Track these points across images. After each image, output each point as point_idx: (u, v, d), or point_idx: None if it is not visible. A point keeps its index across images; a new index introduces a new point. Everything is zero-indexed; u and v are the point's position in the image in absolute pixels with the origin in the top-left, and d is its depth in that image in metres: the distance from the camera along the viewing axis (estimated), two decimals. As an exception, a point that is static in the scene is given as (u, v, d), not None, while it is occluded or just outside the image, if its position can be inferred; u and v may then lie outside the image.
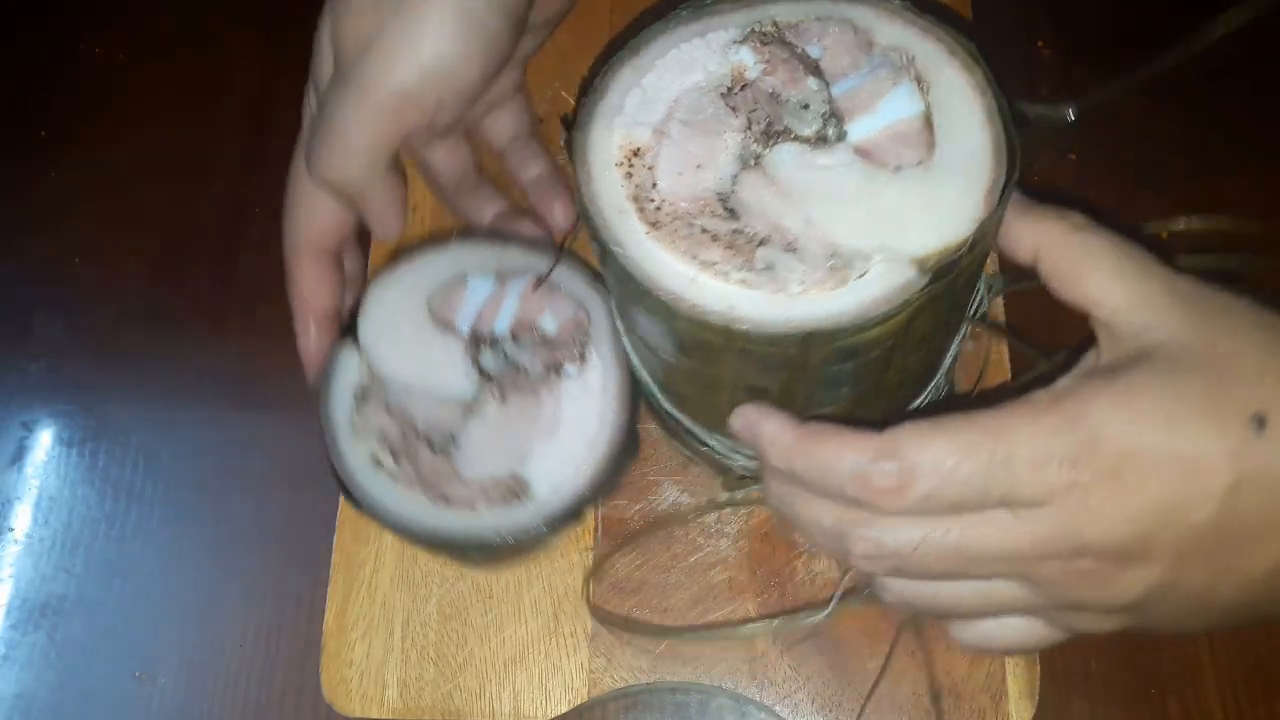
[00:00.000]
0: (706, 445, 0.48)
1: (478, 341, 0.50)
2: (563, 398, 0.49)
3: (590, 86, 0.39)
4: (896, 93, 0.38)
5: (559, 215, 0.55)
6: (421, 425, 0.49)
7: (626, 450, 0.50)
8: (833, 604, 0.49)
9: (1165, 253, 0.36)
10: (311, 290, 0.53)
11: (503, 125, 0.57)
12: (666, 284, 0.36)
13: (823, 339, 0.34)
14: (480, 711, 0.53)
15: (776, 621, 0.52)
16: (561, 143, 0.63)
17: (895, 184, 0.36)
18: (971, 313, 0.44)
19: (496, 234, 0.55)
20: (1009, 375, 0.56)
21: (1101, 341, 0.36)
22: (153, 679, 0.57)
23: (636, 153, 0.38)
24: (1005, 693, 0.51)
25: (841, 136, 0.38)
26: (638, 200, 0.37)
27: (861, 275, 0.35)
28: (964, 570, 0.35)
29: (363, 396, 0.49)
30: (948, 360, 0.46)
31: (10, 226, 0.67)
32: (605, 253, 0.36)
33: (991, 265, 0.53)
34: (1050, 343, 0.44)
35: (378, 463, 0.48)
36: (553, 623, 0.54)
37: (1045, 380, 0.36)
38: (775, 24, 0.40)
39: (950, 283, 0.35)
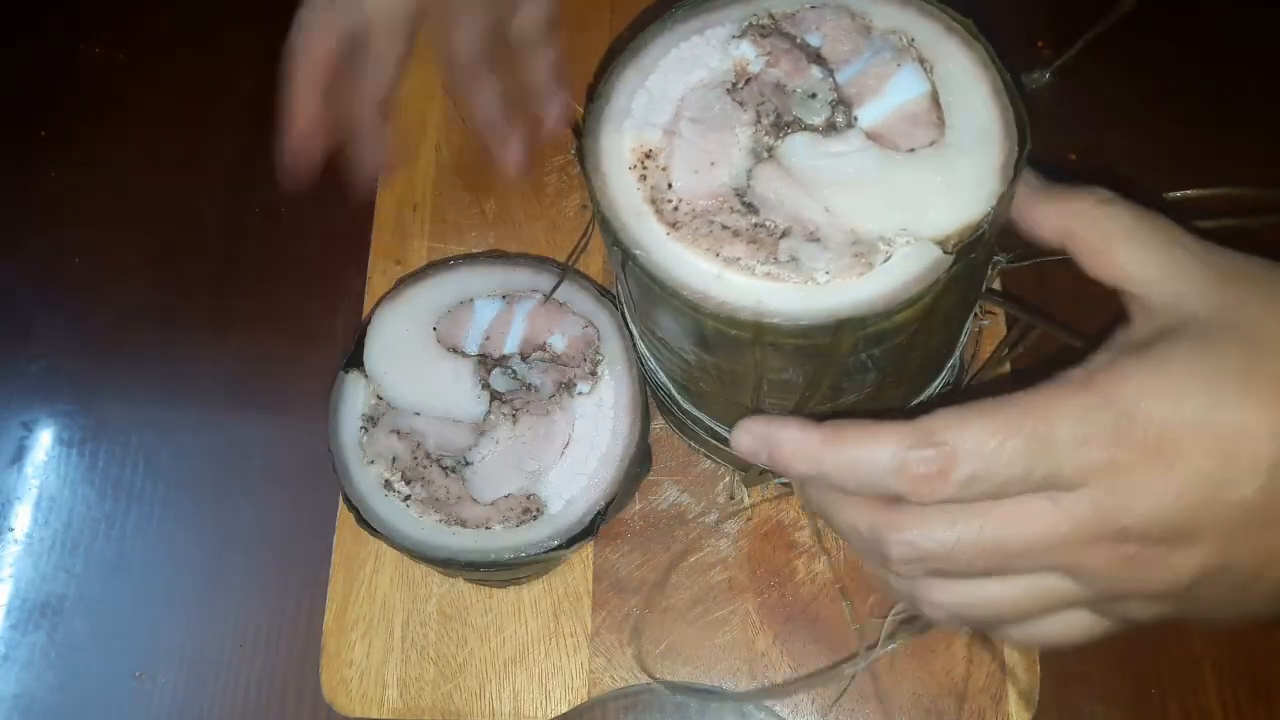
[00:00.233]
0: (727, 442, 0.48)
1: (487, 362, 0.51)
2: (574, 415, 0.50)
3: (595, 92, 0.39)
4: (901, 75, 0.38)
5: (552, 118, 0.55)
6: (433, 447, 0.49)
7: (639, 463, 0.50)
8: (877, 650, 0.50)
9: (1184, 219, 0.36)
10: (303, 102, 0.53)
11: (523, 17, 0.56)
12: (692, 283, 0.35)
13: (853, 326, 0.34)
14: (480, 711, 0.53)
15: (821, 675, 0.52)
16: (571, 152, 0.64)
17: (910, 165, 0.36)
18: (984, 289, 0.45)
19: (501, 255, 0.55)
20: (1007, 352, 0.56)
21: (1134, 316, 0.35)
22: (153, 679, 0.57)
23: (649, 155, 0.38)
24: (1005, 693, 0.51)
25: (851, 122, 0.38)
26: (655, 202, 0.37)
27: (886, 259, 0.35)
28: (1005, 565, 0.33)
29: (370, 421, 0.50)
30: (963, 339, 0.46)
31: (10, 227, 0.67)
32: (626, 258, 0.36)
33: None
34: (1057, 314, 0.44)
35: (388, 485, 0.48)
36: (553, 623, 0.54)
37: (1080, 357, 0.35)
38: (771, 15, 0.40)
39: (971, 261, 0.35)
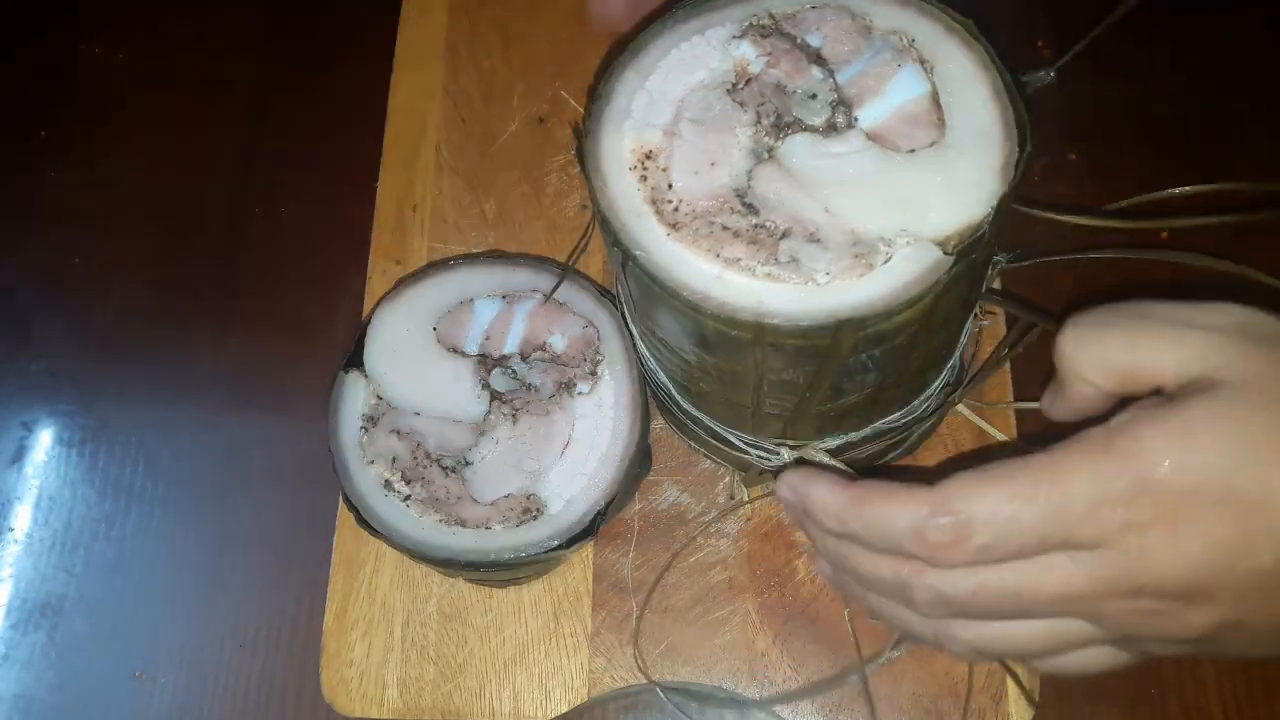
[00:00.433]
0: (727, 442, 0.49)
1: (487, 362, 0.51)
2: (574, 415, 0.50)
3: (595, 93, 0.39)
4: (901, 75, 0.38)
5: None
6: (433, 447, 0.49)
7: (639, 463, 0.50)
8: (880, 660, 0.50)
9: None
10: None
11: None
12: (692, 284, 0.35)
13: (854, 327, 0.34)
14: (480, 711, 0.53)
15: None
16: (572, 152, 0.64)
17: (910, 166, 0.36)
18: (984, 289, 0.45)
19: (501, 255, 0.55)
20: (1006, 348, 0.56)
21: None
22: (153, 679, 0.57)
23: (649, 155, 0.38)
24: (1005, 693, 0.51)
25: (852, 123, 0.38)
26: (655, 203, 0.37)
27: (887, 260, 0.35)
28: (1025, 612, 0.34)
29: (370, 421, 0.50)
30: (963, 339, 0.46)
31: (10, 227, 0.67)
32: (626, 258, 0.36)
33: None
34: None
35: (388, 485, 0.48)
36: (553, 623, 0.54)
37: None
38: (772, 16, 0.40)
39: (971, 261, 0.35)
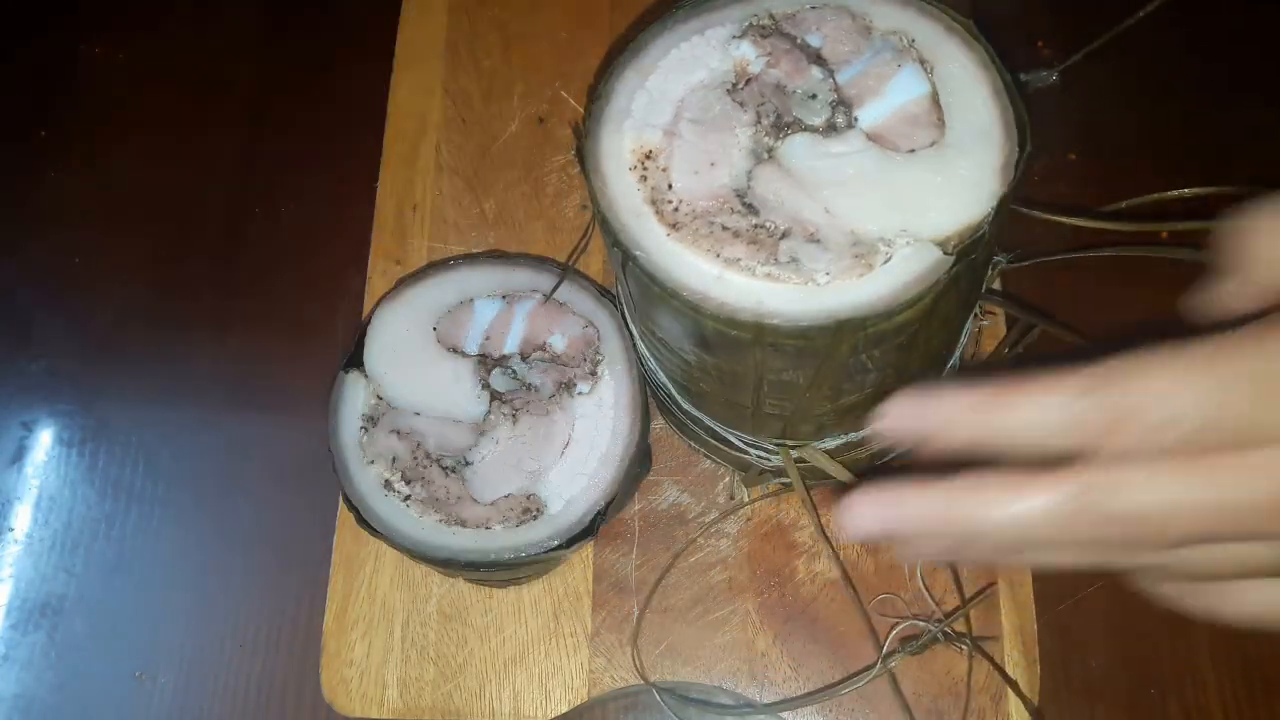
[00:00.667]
0: (727, 442, 0.49)
1: (487, 362, 0.51)
2: (574, 415, 0.50)
3: (595, 93, 0.39)
4: (901, 75, 0.38)
5: None
6: (433, 447, 0.49)
7: (639, 463, 0.50)
8: (878, 665, 0.50)
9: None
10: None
11: None
12: (692, 284, 0.36)
13: (853, 327, 0.34)
14: (480, 711, 0.53)
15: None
16: (572, 152, 0.64)
17: (910, 166, 0.36)
18: (984, 289, 0.45)
19: (501, 255, 0.55)
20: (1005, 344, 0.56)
21: None
22: (153, 679, 0.57)
23: (649, 155, 0.38)
24: (1005, 693, 0.51)
25: (852, 123, 0.38)
26: (655, 203, 0.37)
27: (886, 260, 0.35)
28: (1214, 530, 0.27)
29: (370, 421, 0.50)
30: (963, 339, 0.46)
31: (10, 227, 0.67)
32: (626, 258, 0.36)
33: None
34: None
35: (388, 485, 0.48)
36: (553, 623, 0.54)
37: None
38: (772, 16, 0.40)
39: (971, 261, 0.35)
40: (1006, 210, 0.36)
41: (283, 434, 0.61)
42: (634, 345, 0.49)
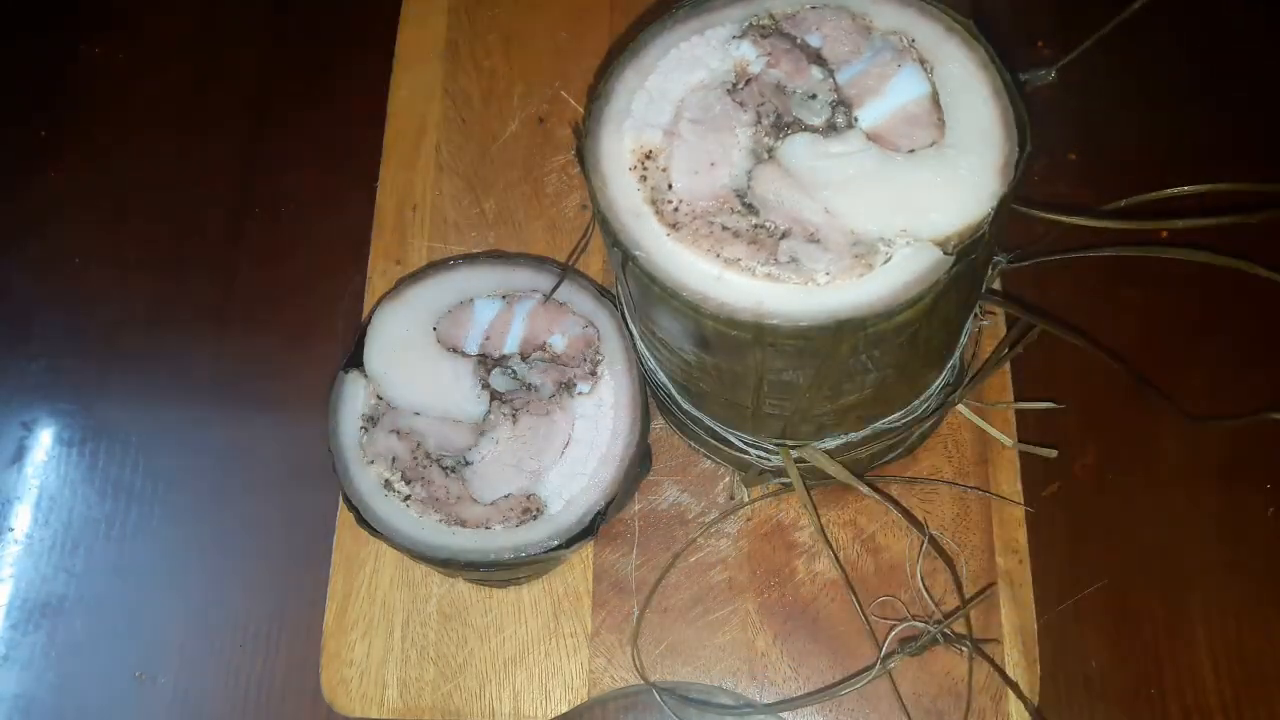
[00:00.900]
0: (727, 442, 0.49)
1: (487, 362, 0.51)
2: (574, 415, 0.50)
3: (595, 93, 0.39)
4: (901, 75, 0.38)
5: None
6: (433, 447, 0.49)
7: (639, 463, 0.50)
8: (878, 666, 0.50)
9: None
10: None
11: None
12: (691, 284, 0.36)
13: (853, 327, 0.34)
14: (480, 711, 0.53)
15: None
16: (572, 153, 0.64)
17: (910, 166, 0.36)
18: (984, 289, 0.45)
19: (501, 255, 0.55)
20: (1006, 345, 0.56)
21: None
22: (153, 679, 0.57)
23: (649, 155, 0.38)
24: (1005, 693, 0.51)
25: (852, 123, 0.38)
26: (655, 203, 0.37)
27: (887, 260, 0.35)
28: None
29: (370, 421, 0.50)
30: (963, 339, 0.46)
31: (10, 227, 0.67)
32: (626, 258, 0.36)
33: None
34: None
35: (388, 486, 0.48)
36: (553, 623, 0.54)
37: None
38: (772, 16, 0.40)
39: (971, 261, 0.35)
40: (1006, 210, 0.36)
41: (283, 434, 0.61)
42: (634, 345, 0.49)
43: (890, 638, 0.52)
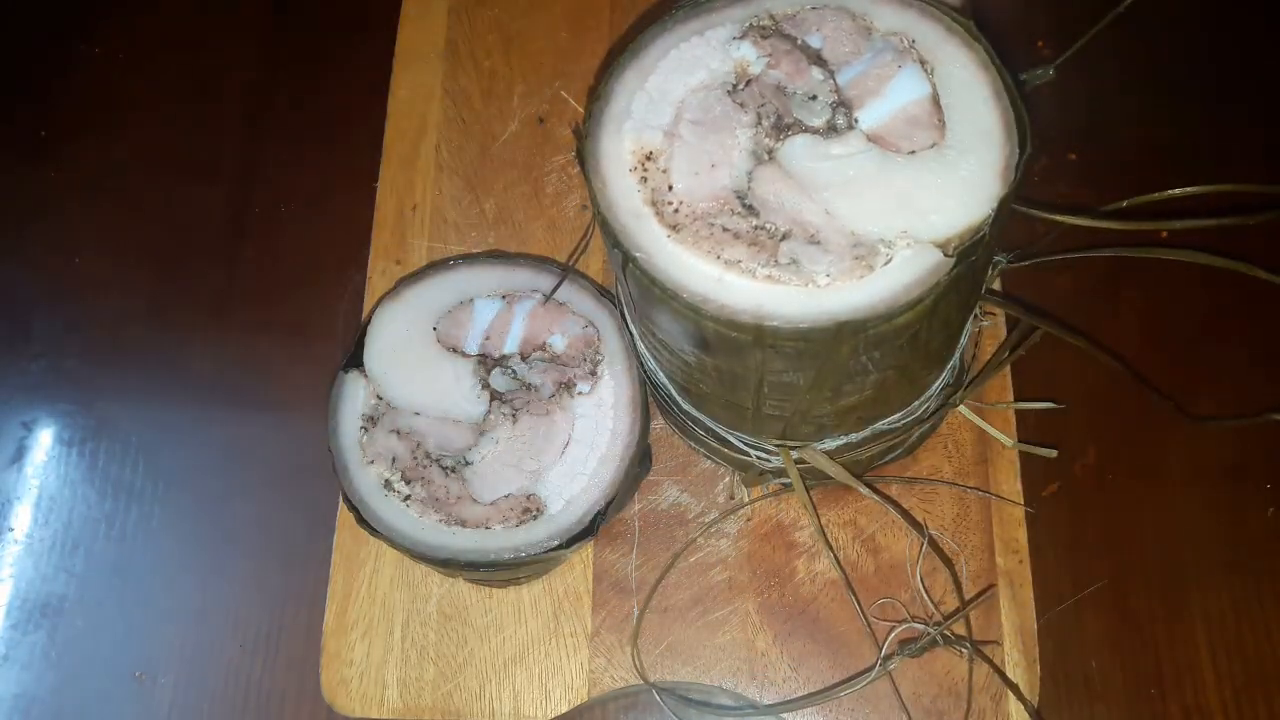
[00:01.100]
0: (727, 443, 0.49)
1: (487, 362, 0.51)
2: (574, 415, 0.50)
3: (595, 94, 0.39)
4: (902, 76, 0.38)
5: None
6: (433, 447, 0.49)
7: (639, 463, 0.50)
8: (878, 667, 0.50)
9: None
10: None
11: None
12: (692, 286, 0.36)
13: (854, 329, 0.34)
14: (480, 711, 0.53)
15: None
16: (572, 154, 0.64)
17: (910, 167, 0.36)
18: (984, 290, 0.45)
19: (501, 255, 0.55)
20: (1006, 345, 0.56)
21: None
22: (153, 679, 0.57)
23: (649, 156, 0.38)
24: (1005, 693, 0.51)
25: (852, 124, 0.38)
26: (655, 204, 0.37)
27: (887, 262, 0.35)
28: None
29: (370, 421, 0.50)
30: (963, 340, 0.46)
31: (10, 226, 0.67)
32: (626, 260, 0.36)
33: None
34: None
35: (388, 486, 0.48)
36: (553, 623, 0.54)
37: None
38: (772, 17, 0.40)
39: (972, 263, 0.35)
40: (1007, 212, 0.36)
41: (283, 434, 0.61)
42: (634, 345, 0.49)
43: (890, 638, 0.52)
